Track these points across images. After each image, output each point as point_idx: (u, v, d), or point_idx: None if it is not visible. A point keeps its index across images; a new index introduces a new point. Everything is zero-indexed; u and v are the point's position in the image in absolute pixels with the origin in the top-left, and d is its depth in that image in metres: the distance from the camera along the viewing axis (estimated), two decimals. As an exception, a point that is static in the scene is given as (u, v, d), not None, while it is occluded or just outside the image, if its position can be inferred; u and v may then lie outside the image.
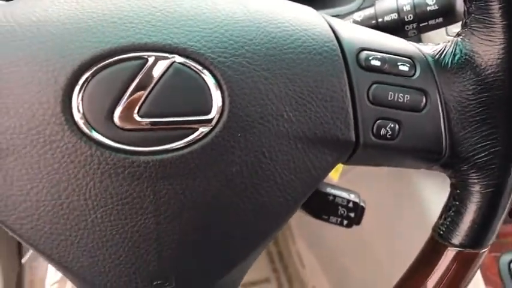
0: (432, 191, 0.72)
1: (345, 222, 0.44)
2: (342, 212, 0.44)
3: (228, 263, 0.34)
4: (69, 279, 0.35)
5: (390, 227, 0.83)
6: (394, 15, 0.44)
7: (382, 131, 0.34)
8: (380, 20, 0.45)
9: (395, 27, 0.44)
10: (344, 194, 0.44)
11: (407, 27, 0.44)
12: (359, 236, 0.91)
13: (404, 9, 0.44)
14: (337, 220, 0.44)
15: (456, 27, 0.60)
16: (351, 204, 0.44)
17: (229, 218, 0.33)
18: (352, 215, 0.44)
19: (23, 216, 0.31)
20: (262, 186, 0.32)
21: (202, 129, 0.31)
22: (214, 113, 0.31)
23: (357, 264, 0.99)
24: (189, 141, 0.31)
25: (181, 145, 0.31)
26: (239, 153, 0.31)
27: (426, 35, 0.58)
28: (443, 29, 0.60)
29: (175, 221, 0.32)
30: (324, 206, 0.45)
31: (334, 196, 0.44)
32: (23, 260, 1.22)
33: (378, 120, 0.33)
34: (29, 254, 1.23)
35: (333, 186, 0.45)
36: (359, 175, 0.76)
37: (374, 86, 0.33)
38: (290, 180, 0.33)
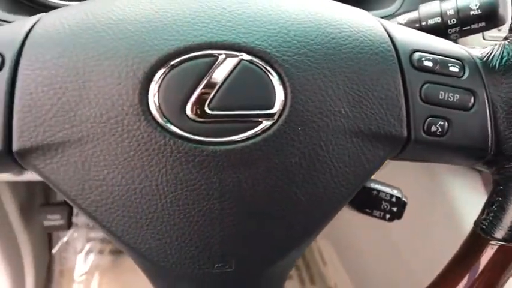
0: (461, 190, 0.74)
1: (388, 216, 0.46)
2: (385, 206, 0.46)
3: (283, 249, 0.36)
4: (134, 260, 0.37)
5: (417, 225, 0.84)
6: (438, 19, 0.46)
7: (433, 128, 0.36)
8: (424, 23, 0.47)
9: (439, 31, 0.46)
10: (387, 189, 0.47)
11: (450, 31, 0.46)
12: (383, 234, 0.92)
13: (448, 14, 0.46)
14: (380, 214, 0.47)
15: (493, 32, 0.61)
16: (394, 199, 0.46)
17: (287, 206, 0.35)
18: (395, 209, 0.46)
19: (98, 199, 0.34)
20: (318, 178, 0.35)
21: (266, 123, 0.33)
22: (277, 108, 0.33)
23: (380, 262, 1.01)
24: (253, 133, 0.33)
25: (246, 137, 0.33)
26: (298, 145, 0.34)
27: (462, 39, 0.60)
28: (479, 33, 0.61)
29: (238, 207, 0.34)
30: (368, 200, 0.47)
31: (378, 191, 0.46)
32: (53, 251, 1.25)
33: (428, 118, 0.35)
34: (59, 245, 1.26)
35: (376, 182, 0.47)
36: (388, 172, 0.77)
37: (426, 85, 0.36)
38: (344, 172, 0.35)
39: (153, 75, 0.32)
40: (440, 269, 0.42)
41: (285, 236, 0.36)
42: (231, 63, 0.33)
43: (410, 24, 0.47)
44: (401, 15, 0.48)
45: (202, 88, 0.32)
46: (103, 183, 0.34)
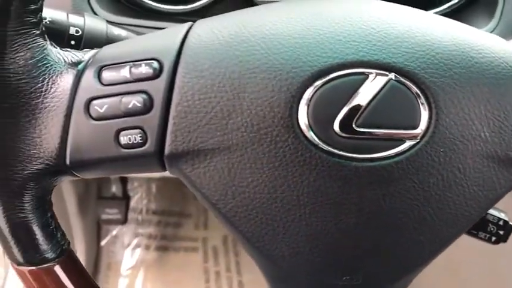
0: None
1: (493, 238, 0.46)
2: (492, 229, 0.47)
3: (410, 266, 0.37)
4: (261, 265, 0.38)
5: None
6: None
7: None
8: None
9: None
10: (495, 212, 0.47)
11: None
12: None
13: None
14: (485, 236, 0.47)
15: None
16: (501, 222, 0.47)
17: (419, 225, 0.35)
18: (501, 232, 0.47)
19: (239, 205, 0.35)
20: (452, 199, 0.35)
21: (409, 143, 0.34)
22: (421, 128, 0.34)
23: (440, 283, 1.00)
24: (396, 152, 0.34)
25: (389, 155, 0.34)
26: (438, 167, 0.34)
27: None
28: None
29: (374, 223, 0.35)
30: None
31: (486, 213, 0.46)
32: (102, 243, 1.28)
33: None
34: (107, 239, 1.28)
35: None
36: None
37: None
38: (477, 195, 0.36)
39: (305, 90, 0.33)
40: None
41: (414, 253, 0.37)
42: (380, 82, 0.33)
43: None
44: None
45: (352, 105, 0.33)
46: (246, 190, 0.35)
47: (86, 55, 0.35)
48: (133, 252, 1.29)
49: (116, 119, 0.34)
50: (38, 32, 0.34)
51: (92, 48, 0.38)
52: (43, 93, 0.34)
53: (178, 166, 0.35)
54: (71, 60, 0.35)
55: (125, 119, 0.34)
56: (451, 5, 0.62)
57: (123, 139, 0.34)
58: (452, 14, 0.61)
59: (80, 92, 0.34)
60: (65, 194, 1.06)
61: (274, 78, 0.34)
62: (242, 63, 0.34)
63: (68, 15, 0.44)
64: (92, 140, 0.34)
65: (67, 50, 0.35)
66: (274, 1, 0.61)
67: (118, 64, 0.34)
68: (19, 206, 0.35)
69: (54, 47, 0.35)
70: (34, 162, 0.34)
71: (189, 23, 0.38)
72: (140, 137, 0.34)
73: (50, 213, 0.37)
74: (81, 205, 1.13)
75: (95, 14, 0.56)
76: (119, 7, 0.60)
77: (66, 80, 0.34)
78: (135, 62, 0.34)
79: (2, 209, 0.34)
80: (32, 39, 0.33)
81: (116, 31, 0.46)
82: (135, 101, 0.34)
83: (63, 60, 0.35)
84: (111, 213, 1.04)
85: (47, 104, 0.34)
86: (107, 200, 1.06)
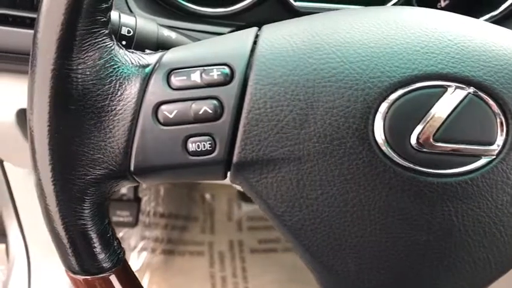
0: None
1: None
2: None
3: (475, 285, 0.36)
4: (324, 282, 0.37)
5: None
6: None
7: None
8: None
9: None
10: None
11: None
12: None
13: None
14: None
15: None
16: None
17: (489, 243, 0.35)
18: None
19: (306, 218, 0.34)
20: None
21: (485, 159, 0.33)
22: (497, 145, 0.33)
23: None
24: (471, 168, 0.33)
25: (465, 171, 0.33)
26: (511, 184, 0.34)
27: None
28: None
29: (443, 240, 0.34)
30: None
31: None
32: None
33: None
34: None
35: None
36: None
37: None
38: None
39: (382, 102, 0.32)
40: None
41: (480, 271, 0.36)
42: (459, 95, 0.33)
43: None
44: None
45: (430, 119, 0.32)
46: (314, 202, 0.33)
47: (151, 57, 0.34)
48: (139, 255, 1.27)
49: (185, 125, 0.33)
50: (106, 31, 0.32)
51: (143, 50, 0.36)
52: (110, 96, 0.32)
53: (244, 175, 0.34)
54: (138, 63, 0.33)
55: (195, 125, 0.33)
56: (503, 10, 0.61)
57: (191, 146, 0.33)
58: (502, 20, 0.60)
59: (148, 96, 0.33)
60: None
61: (350, 88, 0.32)
62: (317, 72, 0.33)
63: (120, 14, 0.42)
64: (159, 145, 0.33)
65: (133, 52, 0.34)
66: (315, 8, 0.60)
67: (188, 68, 0.33)
68: (79, 212, 0.33)
69: (121, 48, 0.33)
70: (97, 167, 0.33)
71: (255, 28, 0.36)
72: (209, 144, 0.33)
73: (107, 220, 0.35)
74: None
75: (132, 13, 0.55)
76: (157, 8, 0.58)
77: (133, 83, 0.33)
78: (206, 66, 0.33)
79: (61, 215, 0.33)
80: (101, 39, 0.32)
81: (166, 33, 0.45)
82: (206, 107, 0.32)
83: (130, 62, 0.33)
84: (122, 215, 1.02)
85: (114, 107, 0.32)
86: (118, 201, 1.04)
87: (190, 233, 1.34)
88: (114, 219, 1.03)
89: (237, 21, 0.61)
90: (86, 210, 0.33)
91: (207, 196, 1.38)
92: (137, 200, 1.05)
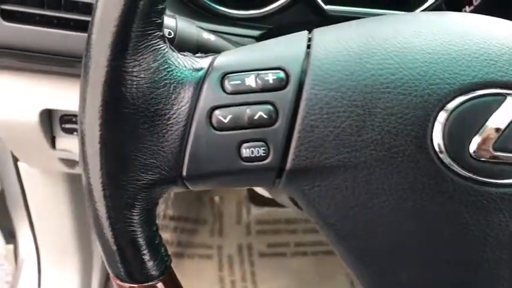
0: None
1: None
2: None
3: None
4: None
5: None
6: None
7: None
8: None
9: None
10: None
11: None
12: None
13: None
14: None
15: None
16: None
17: None
18: None
19: (359, 227, 0.33)
20: None
21: None
22: None
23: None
24: None
25: None
26: None
27: None
28: None
29: (499, 250, 0.33)
30: None
31: None
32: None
33: None
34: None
35: None
36: None
37: None
38: None
39: (442, 109, 0.32)
40: None
41: None
42: None
43: None
44: None
45: (490, 127, 0.32)
46: (369, 211, 0.33)
47: (203, 61, 0.33)
48: (148, 258, 1.26)
49: (240, 130, 0.32)
50: (160, 33, 0.31)
51: (183, 51, 0.35)
52: (163, 100, 0.31)
53: (297, 183, 0.33)
54: (192, 66, 0.33)
55: (249, 130, 0.32)
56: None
57: (245, 152, 0.32)
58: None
59: (202, 100, 0.32)
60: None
61: (409, 95, 0.32)
62: (374, 77, 0.32)
63: (161, 15, 0.41)
64: (212, 151, 0.32)
65: (184, 55, 0.33)
66: (345, 12, 0.59)
67: (242, 72, 0.32)
68: (128, 218, 0.32)
69: (173, 50, 0.32)
70: (149, 172, 0.32)
71: (305, 32, 0.36)
72: (263, 150, 0.32)
73: (156, 226, 0.34)
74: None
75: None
76: (186, 10, 0.58)
77: (187, 87, 0.32)
78: (260, 71, 0.32)
79: (111, 222, 0.32)
80: (155, 41, 0.31)
81: (206, 35, 0.44)
82: (261, 112, 0.32)
83: (183, 66, 0.32)
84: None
85: (167, 111, 0.32)
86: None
87: (200, 236, 1.33)
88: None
89: (265, 24, 0.60)
90: (136, 216, 0.32)
91: (216, 199, 1.37)
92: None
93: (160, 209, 1.27)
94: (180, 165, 0.32)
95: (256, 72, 0.32)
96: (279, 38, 0.35)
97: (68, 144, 0.69)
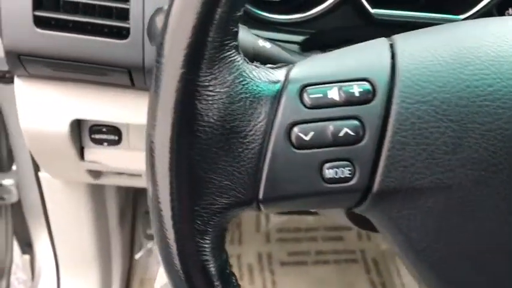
0: None
1: None
2: None
3: None
4: None
5: None
6: None
7: None
8: None
9: None
10: None
11: None
12: None
13: None
14: None
15: None
16: None
17: None
18: None
19: (451, 253, 0.30)
20: None
21: None
22: None
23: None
24: None
25: None
26: None
27: None
28: None
29: None
30: None
31: None
32: (136, 257, 1.22)
33: None
34: (142, 252, 1.23)
35: None
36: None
37: None
38: None
39: None
40: None
41: None
42: None
43: None
44: None
45: None
46: (464, 236, 0.30)
47: (278, 72, 0.30)
48: (167, 268, 1.23)
49: (322, 149, 0.29)
50: (236, 43, 0.29)
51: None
52: (240, 116, 0.29)
53: (383, 205, 0.30)
54: (267, 79, 0.30)
55: (333, 148, 0.29)
56: None
57: (328, 172, 0.29)
58: None
59: (280, 116, 0.29)
60: (108, 206, 1.01)
61: (509, 109, 0.29)
62: (470, 89, 0.29)
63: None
64: (292, 171, 0.29)
65: (257, 66, 0.30)
66: (393, 16, 0.56)
67: (323, 84, 0.29)
68: (200, 246, 0.29)
69: (247, 62, 0.30)
70: (224, 195, 0.29)
71: (384, 39, 0.33)
72: (349, 170, 0.29)
73: (226, 254, 0.32)
74: (122, 217, 1.07)
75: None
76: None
77: (263, 102, 0.29)
78: (343, 82, 0.29)
79: (180, 250, 0.29)
80: (231, 52, 0.28)
81: (261, 42, 0.41)
82: (347, 129, 0.29)
83: (258, 78, 0.29)
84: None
85: (243, 129, 0.29)
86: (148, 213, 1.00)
87: (218, 244, 1.30)
88: (149, 231, 0.98)
89: (308, 29, 0.57)
90: (208, 243, 0.29)
91: (235, 206, 1.34)
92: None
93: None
94: (256, 186, 0.29)
95: (339, 84, 0.29)
96: (355, 46, 0.32)
97: (97, 155, 0.66)
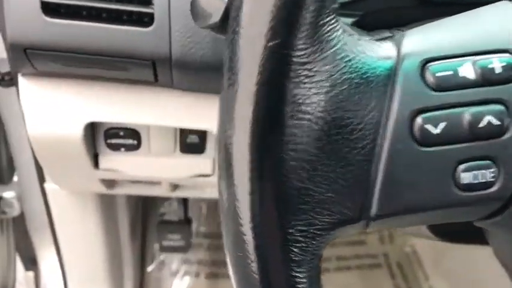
0: None
1: None
2: None
3: None
4: None
5: None
6: None
7: None
8: None
9: None
10: None
11: None
12: None
13: None
14: None
15: None
16: None
17: None
18: None
19: None
20: None
21: None
22: None
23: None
24: None
25: None
26: None
27: None
28: None
29: None
30: None
31: None
32: (149, 269, 1.14)
33: None
34: (154, 265, 1.16)
35: None
36: None
37: None
38: None
39: None
40: None
41: None
42: None
43: None
44: None
45: None
46: None
47: (385, 45, 0.23)
48: (182, 280, 1.16)
49: (457, 145, 0.21)
50: (336, 6, 0.21)
51: None
52: (344, 104, 0.21)
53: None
54: (376, 53, 0.22)
55: (471, 144, 0.21)
56: None
57: (464, 176, 0.21)
58: None
59: (397, 102, 0.22)
60: (119, 216, 0.93)
61: None
62: None
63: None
64: (417, 177, 0.22)
65: (360, 35, 0.23)
66: None
67: (451, 58, 0.22)
68: (292, 280, 0.22)
69: (349, 32, 0.22)
70: (326, 212, 0.21)
71: (506, 1, 0.25)
72: (491, 172, 0.22)
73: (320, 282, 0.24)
74: (133, 228, 1.00)
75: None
76: None
77: (374, 84, 0.22)
78: (476, 55, 0.22)
79: (266, 284, 0.22)
80: (331, 18, 0.21)
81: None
82: (490, 117, 0.21)
83: (363, 53, 0.22)
84: (174, 239, 0.90)
85: (349, 121, 0.21)
86: (168, 224, 0.92)
87: (234, 253, 1.23)
88: (165, 243, 0.91)
89: (355, 11, 0.50)
90: (305, 276, 0.22)
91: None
92: (187, 221, 0.94)
93: (193, 226, 1.17)
94: (368, 199, 0.22)
95: (471, 57, 0.22)
96: (479, 10, 0.25)
97: (113, 162, 0.59)
